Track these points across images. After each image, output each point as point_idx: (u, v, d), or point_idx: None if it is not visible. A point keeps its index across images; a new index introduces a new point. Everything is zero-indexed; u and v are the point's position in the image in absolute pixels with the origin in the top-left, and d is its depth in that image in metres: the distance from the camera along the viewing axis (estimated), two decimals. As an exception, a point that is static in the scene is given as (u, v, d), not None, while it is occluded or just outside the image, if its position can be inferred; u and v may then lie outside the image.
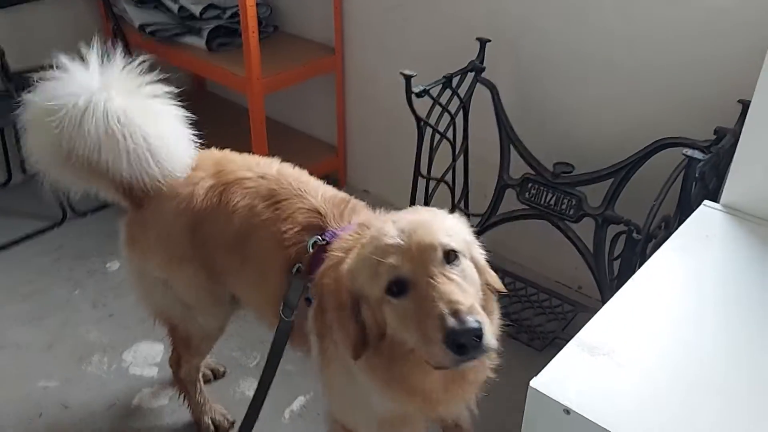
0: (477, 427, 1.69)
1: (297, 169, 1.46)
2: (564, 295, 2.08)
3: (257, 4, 2.17)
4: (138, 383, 1.82)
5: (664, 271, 1.07)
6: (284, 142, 2.71)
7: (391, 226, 1.09)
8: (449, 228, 1.11)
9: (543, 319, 1.99)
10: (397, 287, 1.05)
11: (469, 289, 1.06)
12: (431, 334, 0.99)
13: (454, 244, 1.07)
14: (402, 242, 1.06)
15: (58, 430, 1.68)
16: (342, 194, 1.40)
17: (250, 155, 1.49)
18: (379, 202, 2.56)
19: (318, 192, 1.35)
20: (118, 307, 2.05)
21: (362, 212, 1.35)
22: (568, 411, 0.84)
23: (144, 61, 1.41)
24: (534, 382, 0.87)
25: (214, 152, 1.50)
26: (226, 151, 1.51)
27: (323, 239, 1.24)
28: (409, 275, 1.04)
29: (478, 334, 0.98)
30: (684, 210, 1.38)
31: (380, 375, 1.15)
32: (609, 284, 1.69)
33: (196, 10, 2.37)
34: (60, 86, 1.33)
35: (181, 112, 1.44)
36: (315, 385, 1.81)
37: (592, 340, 0.93)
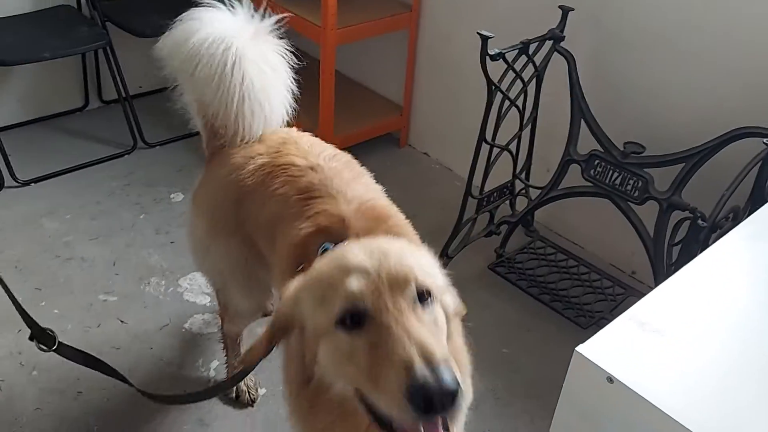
0: (516, 396, 1.71)
1: (359, 167, 1.38)
2: (616, 278, 2.05)
3: (340, -46, 2.18)
4: (191, 309, 1.90)
5: (726, 257, 1.05)
6: (350, 97, 2.72)
7: (359, 246, 0.93)
8: (426, 265, 0.95)
9: (592, 298, 1.98)
10: (352, 319, 0.85)
11: (441, 338, 0.88)
12: (391, 383, 0.79)
13: (430, 284, 0.90)
14: (369, 266, 0.88)
15: (112, 341, 1.79)
16: (388, 209, 1.26)
17: (320, 143, 1.43)
18: (438, 165, 2.59)
19: (357, 199, 1.21)
20: (179, 236, 2.14)
21: (397, 233, 1.15)
22: (611, 379, 0.84)
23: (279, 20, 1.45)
24: (580, 348, 0.87)
25: (287, 131, 1.46)
26: (299, 133, 1.46)
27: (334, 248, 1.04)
28: (371, 306, 0.85)
29: (453, 393, 0.77)
30: (756, 201, 1.34)
31: (302, 424, 0.98)
32: (665, 270, 1.66)
33: (280, -47, 2.38)
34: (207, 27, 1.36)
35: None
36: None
37: (644, 316, 0.92)
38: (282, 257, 1.22)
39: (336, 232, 1.14)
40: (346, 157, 1.38)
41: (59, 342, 1.18)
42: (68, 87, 2.68)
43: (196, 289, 1.97)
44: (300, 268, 1.04)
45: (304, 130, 2.58)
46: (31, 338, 1.18)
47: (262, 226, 1.31)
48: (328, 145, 1.42)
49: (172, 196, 2.32)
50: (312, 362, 0.91)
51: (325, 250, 1.06)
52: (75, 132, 2.63)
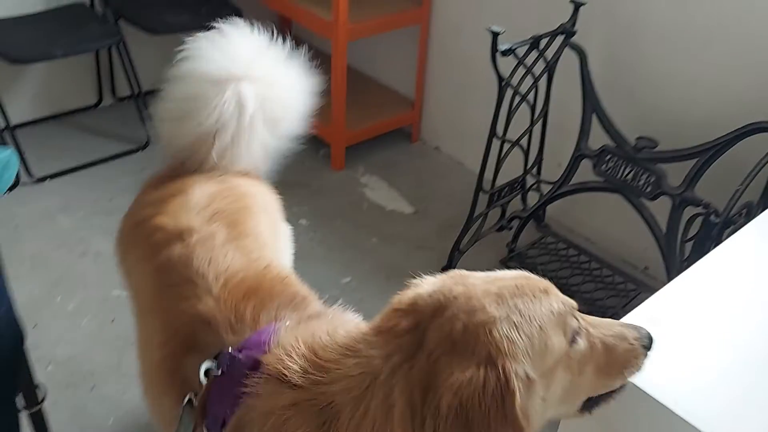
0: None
1: (257, 208, 1.16)
2: (629, 274, 2.04)
3: (351, -51, 2.17)
4: (203, 304, 1.92)
5: (739, 253, 1.04)
6: (361, 92, 2.73)
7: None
8: None
9: (603, 294, 1.97)
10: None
11: None
12: (628, 351, 0.80)
13: None
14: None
15: (126, 336, 1.80)
16: (270, 269, 1.02)
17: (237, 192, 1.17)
18: (449, 160, 2.59)
19: (222, 275, 0.97)
20: (191, 232, 2.16)
21: (296, 306, 0.94)
22: (621, 377, 0.84)
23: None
24: (590, 345, 0.87)
25: (222, 179, 1.21)
26: (235, 180, 1.21)
27: (218, 367, 0.84)
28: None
29: None
30: (769, 197, 1.33)
31: None
32: (678, 266, 1.65)
33: (291, -51, 2.38)
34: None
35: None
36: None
37: (656, 313, 0.92)
38: (151, 381, 1.00)
39: (203, 340, 0.91)
40: (247, 199, 1.17)
41: None
42: (82, 84, 2.71)
43: (209, 285, 1.98)
44: (186, 400, 0.86)
45: (316, 126, 2.60)
46: None
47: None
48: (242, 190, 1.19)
49: (184, 192, 2.34)
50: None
51: (208, 372, 0.85)
52: (89, 128, 2.65)
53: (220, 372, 0.84)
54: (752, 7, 1.65)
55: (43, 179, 2.35)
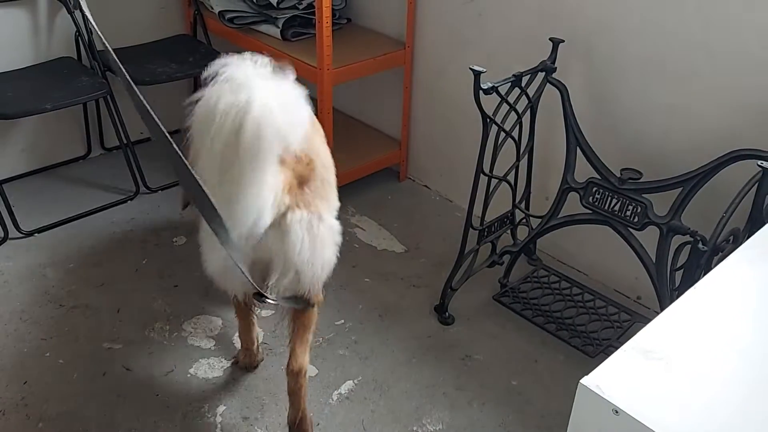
0: (527, 429, 1.70)
1: None
2: (622, 304, 2.04)
3: (333, -4, 2.23)
4: (195, 353, 1.89)
5: (728, 281, 1.04)
6: (349, 133, 2.76)
7: None
8: None
9: (598, 326, 1.96)
10: None
11: None
12: None
13: None
14: None
15: (118, 390, 1.78)
16: None
17: None
18: (438, 197, 2.61)
19: None
20: (182, 280, 2.14)
21: None
22: (617, 411, 0.83)
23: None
24: (585, 380, 0.86)
25: None
26: None
27: None
28: None
29: None
30: (755, 224, 1.34)
31: None
32: (669, 295, 1.65)
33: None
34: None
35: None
36: (364, 370, 1.84)
37: (648, 344, 0.92)
38: None
39: None
40: None
41: None
42: (70, 136, 2.72)
43: (201, 333, 1.96)
44: None
45: None
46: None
47: None
48: None
49: (174, 240, 2.33)
50: None
51: None
52: (78, 180, 2.66)
53: None
54: (725, 39, 1.70)
55: (31, 233, 2.34)
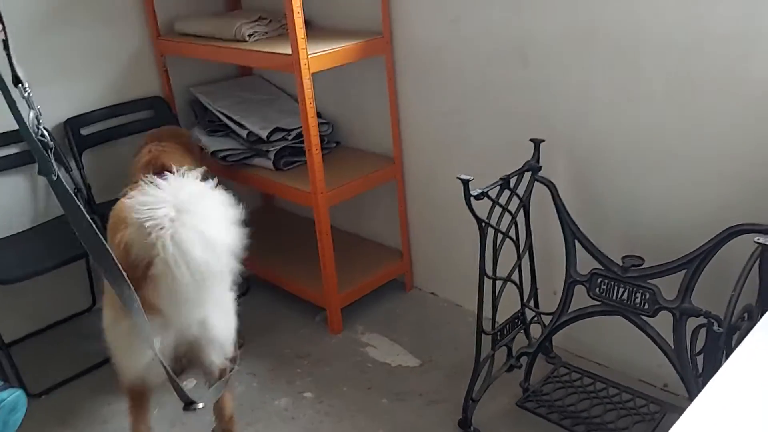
0: None
1: None
2: (649, 395, 1.97)
3: (319, 123, 2.32)
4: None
5: (750, 368, 1.01)
6: (350, 250, 2.78)
7: None
8: None
9: (629, 422, 1.88)
10: None
11: None
12: None
13: None
14: None
15: None
16: None
17: None
18: (446, 304, 2.58)
19: None
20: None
21: None
22: None
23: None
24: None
25: None
26: None
27: None
28: None
29: None
30: (765, 299, 1.32)
31: None
32: (695, 380, 1.59)
33: (264, 134, 2.54)
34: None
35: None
36: None
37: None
38: None
39: None
40: None
41: None
42: (74, 290, 2.69)
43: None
44: None
45: (306, 290, 2.65)
46: None
47: None
48: None
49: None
50: None
51: None
52: (83, 334, 2.58)
53: None
54: (701, 120, 1.75)
55: (39, 395, 2.29)
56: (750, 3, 1.58)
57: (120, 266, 1.35)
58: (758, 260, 1.33)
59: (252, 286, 2.79)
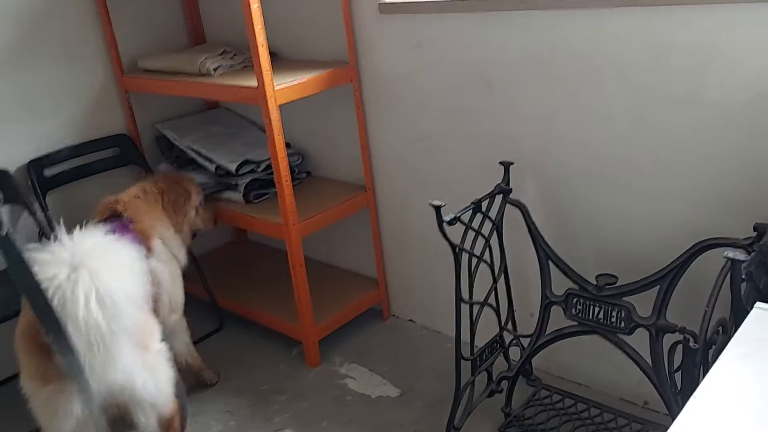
0: None
1: None
2: (630, 413, 1.96)
3: (288, 155, 2.30)
4: None
5: (727, 384, 1.01)
6: (326, 280, 2.75)
7: None
8: None
9: (612, 442, 1.87)
10: None
11: None
12: None
13: None
14: None
15: None
16: None
17: None
18: (425, 330, 2.56)
19: None
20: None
21: None
22: None
23: None
24: None
25: None
26: None
27: None
28: None
29: None
30: (738, 313, 1.32)
31: None
32: (674, 398, 1.59)
33: (232, 167, 2.52)
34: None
35: None
36: None
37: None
38: None
39: None
40: None
41: None
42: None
43: None
44: None
45: (282, 324, 2.61)
46: None
47: None
48: None
49: None
50: None
51: None
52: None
53: None
54: (663, 135, 1.77)
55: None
56: (705, 20, 1.61)
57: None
58: (728, 274, 1.34)
59: (226, 321, 2.74)
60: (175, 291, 2.15)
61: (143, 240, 2.00)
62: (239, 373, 2.44)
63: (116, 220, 2.02)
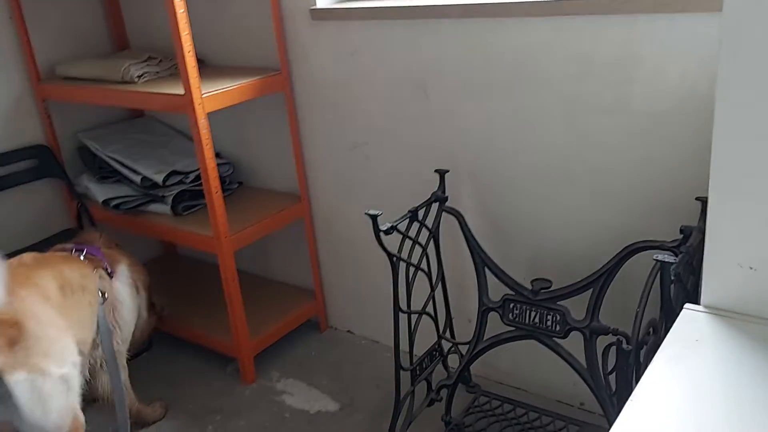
0: None
1: None
2: (567, 416, 1.98)
3: (219, 164, 2.23)
4: None
5: (662, 386, 1.02)
6: (260, 293, 2.67)
7: None
8: None
9: (551, 445, 1.88)
10: None
11: None
12: None
13: None
14: None
15: None
16: None
17: None
18: (364, 341, 2.53)
19: None
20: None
21: None
22: None
23: None
24: None
25: None
26: None
27: None
28: None
29: None
30: (668, 313, 1.36)
31: None
32: (609, 399, 1.61)
33: (159, 178, 2.42)
34: None
35: None
36: None
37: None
38: None
39: None
40: None
41: None
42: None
43: None
44: None
45: (215, 340, 2.52)
46: None
47: None
48: None
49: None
50: None
51: None
52: None
53: None
54: (592, 141, 1.81)
55: None
56: (628, 30, 1.66)
57: None
58: (658, 275, 1.37)
59: (155, 340, 2.62)
60: (128, 320, 2.08)
61: (110, 263, 1.99)
62: (171, 394, 2.33)
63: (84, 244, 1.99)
